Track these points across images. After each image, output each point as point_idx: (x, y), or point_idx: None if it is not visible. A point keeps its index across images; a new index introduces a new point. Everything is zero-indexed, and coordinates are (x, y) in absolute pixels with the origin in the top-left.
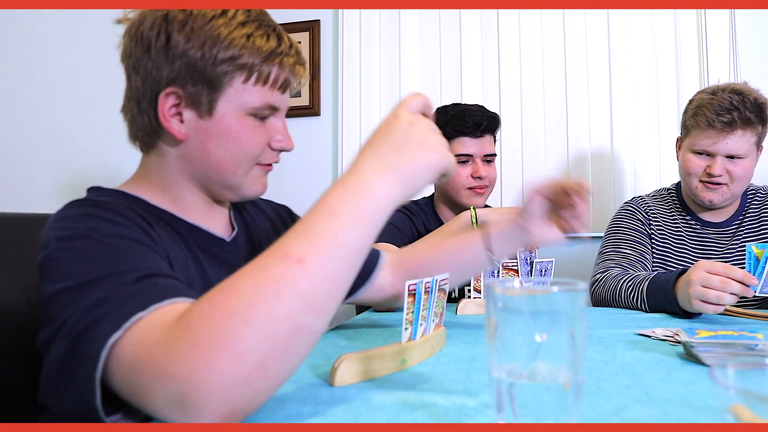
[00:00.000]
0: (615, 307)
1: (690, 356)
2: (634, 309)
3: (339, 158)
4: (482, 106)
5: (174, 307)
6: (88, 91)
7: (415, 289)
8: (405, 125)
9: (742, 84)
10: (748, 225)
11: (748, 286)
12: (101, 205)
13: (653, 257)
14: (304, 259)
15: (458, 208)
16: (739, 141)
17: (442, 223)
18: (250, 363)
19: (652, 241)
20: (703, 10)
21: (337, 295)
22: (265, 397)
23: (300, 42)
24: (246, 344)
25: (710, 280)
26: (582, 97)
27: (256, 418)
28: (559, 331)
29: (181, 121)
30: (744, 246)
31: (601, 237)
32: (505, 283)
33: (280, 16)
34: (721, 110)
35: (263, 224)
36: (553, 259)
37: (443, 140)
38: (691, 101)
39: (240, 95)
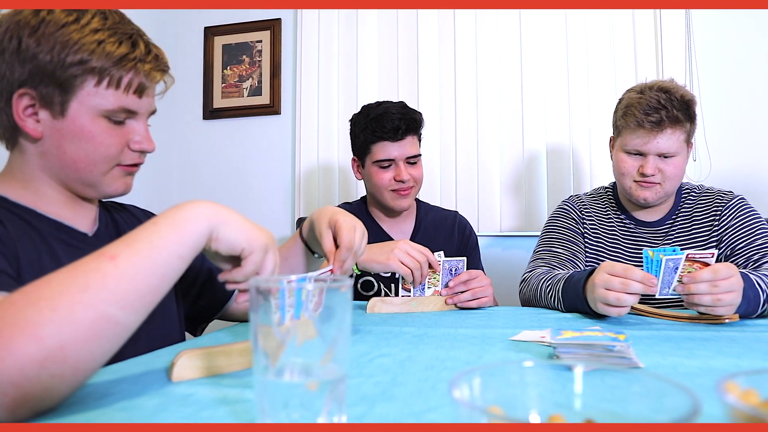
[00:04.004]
0: (538, 307)
1: (558, 357)
2: (553, 309)
3: (297, 156)
4: (404, 106)
5: None
6: None
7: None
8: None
9: (669, 81)
10: (680, 225)
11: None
12: None
13: (587, 256)
14: (116, 256)
15: (386, 210)
16: (669, 140)
17: (376, 223)
18: (47, 346)
19: (586, 239)
20: (659, 10)
21: (148, 294)
22: (63, 387)
23: (261, 41)
24: (46, 328)
25: (611, 282)
26: (539, 96)
27: (62, 407)
28: (320, 330)
29: (37, 121)
30: (675, 245)
31: None
32: (268, 282)
33: (241, 15)
34: (650, 110)
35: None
36: (464, 258)
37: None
38: (620, 100)
39: (92, 98)
